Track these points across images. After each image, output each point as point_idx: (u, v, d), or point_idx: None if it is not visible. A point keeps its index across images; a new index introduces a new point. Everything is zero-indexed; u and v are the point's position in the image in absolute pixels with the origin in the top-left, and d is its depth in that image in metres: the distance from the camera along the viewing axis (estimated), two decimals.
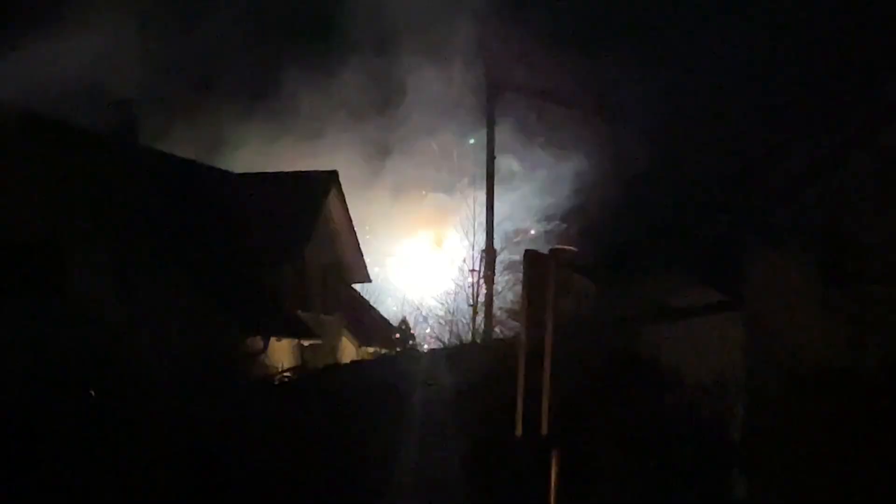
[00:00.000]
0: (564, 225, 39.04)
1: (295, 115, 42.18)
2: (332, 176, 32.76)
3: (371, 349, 32.97)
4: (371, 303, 38.41)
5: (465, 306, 40.36)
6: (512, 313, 38.22)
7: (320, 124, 41.84)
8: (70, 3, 36.25)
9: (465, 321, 39.55)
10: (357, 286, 35.77)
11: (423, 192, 44.46)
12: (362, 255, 34.45)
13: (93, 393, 17.79)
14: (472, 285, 37.87)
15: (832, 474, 14.87)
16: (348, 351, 31.70)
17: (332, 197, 32.31)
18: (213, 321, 26.16)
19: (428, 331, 41.35)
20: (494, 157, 35.18)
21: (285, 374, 21.20)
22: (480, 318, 36.01)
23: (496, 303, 36.39)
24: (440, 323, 41.99)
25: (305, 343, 28.84)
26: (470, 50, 38.92)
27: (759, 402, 15.47)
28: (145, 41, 39.20)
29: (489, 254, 35.57)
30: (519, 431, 9.01)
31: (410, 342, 36.11)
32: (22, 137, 26.77)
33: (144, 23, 38.96)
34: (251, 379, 21.39)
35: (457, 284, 42.24)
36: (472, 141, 39.50)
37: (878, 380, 15.02)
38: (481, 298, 36.37)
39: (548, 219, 41.34)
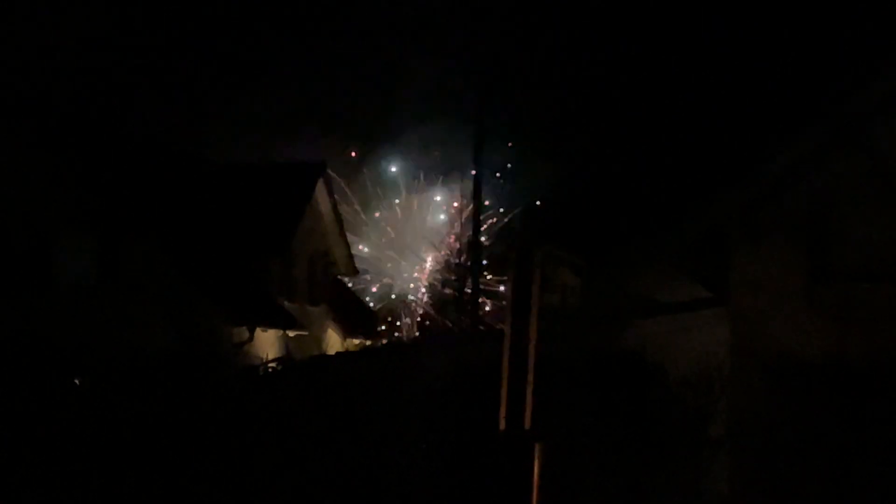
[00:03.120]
0: (552, 219, 39.10)
1: (283, 106, 42.18)
2: (320, 167, 32.77)
3: (356, 341, 32.98)
4: (357, 294, 38.44)
5: (451, 298, 40.41)
6: (497, 306, 38.32)
7: (308, 114, 41.86)
8: None
9: (450, 313, 39.61)
10: (343, 277, 35.79)
11: (413, 183, 44.51)
12: (349, 247, 34.47)
13: (77, 382, 17.76)
14: (458, 277, 37.92)
15: (815, 469, 14.92)
16: (333, 342, 31.70)
17: (320, 188, 32.31)
18: (200, 311, 26.15)
19: (411, 321, 41.42)
20: (482, 152, 35.16)
21: (270, 364, 21.18)
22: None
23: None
24: (425, 315, 42.09)
25: (291, 334, 28.85)
26: (460, 40, 38.94)
27: (744, 397, 15.51)
28: (131, 29, 39.15)
29: (475, 246, 35.57)
30: (502, 425, 9.00)
31: (395, 334, 36.15)
32: (4, 125, 26.70)
33: (131, 11, 38.90)
34: (236, 369, 21.36)
35: (443, 276, 42.33)
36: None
37: (861, 376, 15.07)
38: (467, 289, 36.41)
39: (535, 212, 41.38)
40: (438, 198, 43.92)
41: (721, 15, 33.96)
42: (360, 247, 41.43)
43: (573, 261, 9.72)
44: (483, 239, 37.05)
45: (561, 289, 9.48)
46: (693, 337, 15.99)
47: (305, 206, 31.72)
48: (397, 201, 44.36)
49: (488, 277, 40.14)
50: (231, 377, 18.39)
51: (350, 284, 37.87)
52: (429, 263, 43.48)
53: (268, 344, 26.97)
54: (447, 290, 40.91)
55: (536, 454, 9.03)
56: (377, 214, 44.34)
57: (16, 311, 24.71)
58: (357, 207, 42.48)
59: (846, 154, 15.91)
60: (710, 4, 34.47)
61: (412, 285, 43.59)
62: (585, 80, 37.37)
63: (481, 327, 33.46)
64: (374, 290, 42.72)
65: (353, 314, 34.64)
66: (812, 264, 16.00)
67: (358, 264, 36.35)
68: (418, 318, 42.13)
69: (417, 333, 40.30)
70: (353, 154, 42.94)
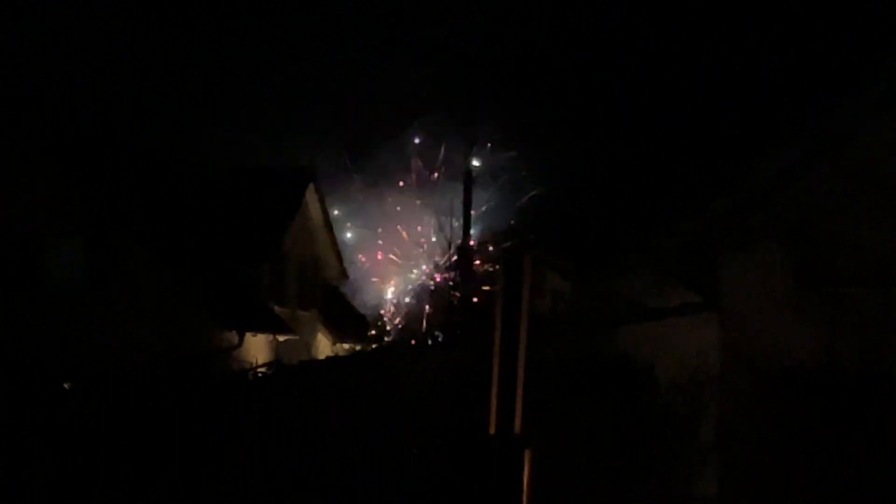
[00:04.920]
0: (541, 223, 39.10)
1: (271, 108, 42.13)
2: (310, 171, 32.76)
3: (346, 345, 32.95)
4: (347, 298, 38.39)
5: (442, 302, 40.37)
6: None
7: (296, 116, 41.81)
8: None
9: (440, 316, 39.57)
10: (333, 282, 35.76)
11: (401, 184, 44.43)
12: (339, 251, 34.45)
13: (66, 387, 17.73)
14: (450, 281, 37.91)
15: (804, 474, 14.96)
16: (323, 347, 31.69)
17: (310, 192, 32.30)
18: (189, 315, 26.12)
19: (403, 325, 41.38)
20: (474, 154, 35.22)
21: (260, 369, 21.15)
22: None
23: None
24: (416, 318, 42.03)
25: (281, 338, 28.82)
26: (452, 40, 38.94)
27: (733, 402, 15.53)
28: (121, 33, 39.12)
29: (466, 251, 35.58)
30: (492, 430, 9.02)
31: (386, 339, 36.12)
32: None
33: (120, 17, 38.88)
34: (226, 374, 21.35)
35: (434, 280, 42.29)
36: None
37: (850, 381, 15.11)
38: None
39: (525, 217, 41.38)
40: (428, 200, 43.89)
41: (710, 20, 34.03)
42: (350, 247, 41.38)
43: (562, 265, 9.75)
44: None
45: (550, 293, 9.51)
46: (682, 341, 16.01)
47: (296, 211, 31.71)
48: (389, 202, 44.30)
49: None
50: (221, 382, 18.37)
51: (340, 288, 37.83)
52: (420, 266, 43.44)
53: (257, 349, 26.95)
54: (432, 298, 40.87)
55: (526, 459, 9.05)
56: (367, 215, 44.29)
57: (4, 316, 24.67)
58: (348, 209, 42.42)
59: (834, 160, 15.97)
60: (698, 12, 34.54)
61: (403, 287, 43.53)
62: (574, 84, 37.38)
63: (471, 331, 33.43)
64: (364, 294, 42.67)
65: (344, 319, 34.60)
66: (800, 269, 16.04)
67: (348, 268, 36.34)
68: (406, 323, 42.07)
69: (405, 338, 40.25)
70: (344, 156, 42.89)
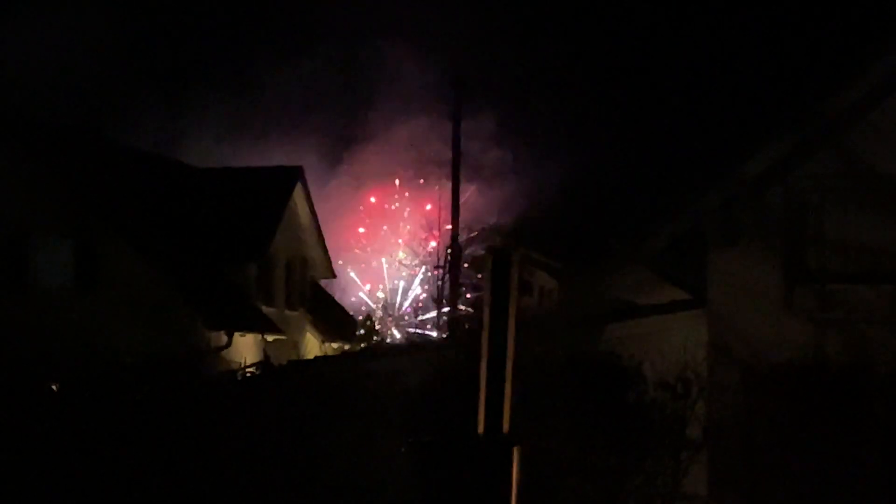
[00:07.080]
0: (530, 221, 39.16)
1: (258, 108, 42.19)
2: (297, 172, 32.81)
3: (335, 345, 32.98)
4: (335, 298, 38.43)
5: (430, 301, 40.42)
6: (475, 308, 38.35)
7: (284, 115, 41.88)
8: None
9: (429, 316, 39.63)
10: (321, 281, 35.79)
11: (393, 182, 44.46)
12: (327, 251, 34.49)
13: (54, 387, 17.69)
14: (437, 281, 37.95)
15: (793, 471, 14.97)
16: (312, 346, 31.70)
17: (297, 193, 32.33)
18: (178, 316, 26.09)
19: (391, 325, 41.41)
20: (461, 154, 35.24)
21: (248, 369, 21.15)
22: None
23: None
24: (404, 317, 42.08)
25: (269, 338, 28.82)
26: (439, 39, 39.09)
27: (721, 399, 15.53)
28: (109, 35, 39.12)
29: (454, 250, 35.60)
30: (480, 429, 9.00)
31: (374, 338, 36.15)
32: None
33: (108, 16, 38.87)
34: (214, 374, 21.33)
35: (422, 279, 42.34)
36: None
37: (838, 377, 15.13)
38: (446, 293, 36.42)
39: (513, 214, 41.44)
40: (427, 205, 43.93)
41: (700, 18, 34.13)
42: (339, 247, 41.38)
43: (550, 263, 9.74)
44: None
45: (538, 291, 9.50)
46: (671, 339, 16.00)
47: (283, 211, 31.73)
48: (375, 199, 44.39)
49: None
50: (209, 382, 18.34)
51: (328, 288, 37.83)
52: (409, 265, 43.45)
53: (246, 349, 26.93)
54: (425, 295, 40.90)
55: (515, 457, 9.02)
56: (355, 215, 44.31)
57: None
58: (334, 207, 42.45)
59: (823, 156, 15.98)
60: (688, 10, 34.65)
61: (391, 287, 43.55)
62: (561, 82, 37.48)
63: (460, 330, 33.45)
64: (352, 293, 42.69)
65: (332, 318, 34.62)
66: (789, 265, 16.05)
67: (336, 268, 36.36)
68: (397, 323, 42.12)
69: (396, 338, 40.30)
70: (332, 155, 42.93)
